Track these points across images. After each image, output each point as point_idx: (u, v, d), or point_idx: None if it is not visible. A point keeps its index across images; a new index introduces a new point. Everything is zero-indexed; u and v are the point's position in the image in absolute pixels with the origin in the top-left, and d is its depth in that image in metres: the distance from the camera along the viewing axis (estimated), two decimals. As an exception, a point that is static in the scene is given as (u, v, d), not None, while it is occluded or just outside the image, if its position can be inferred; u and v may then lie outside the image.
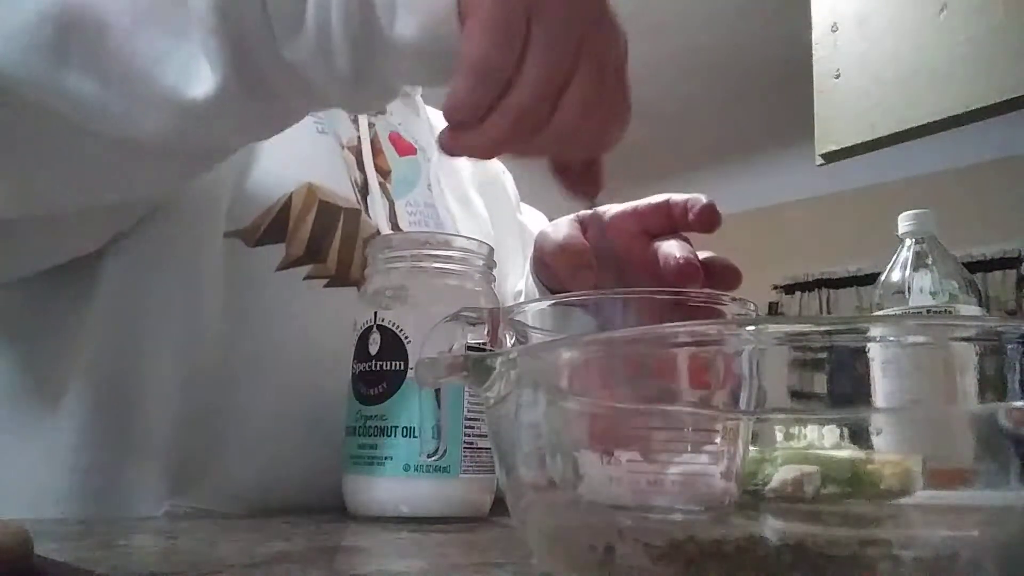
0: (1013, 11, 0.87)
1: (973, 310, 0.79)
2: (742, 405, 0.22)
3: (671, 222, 0.57)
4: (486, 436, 0.50)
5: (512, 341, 0.44)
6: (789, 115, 3.58)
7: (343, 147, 0.67)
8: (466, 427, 0.49)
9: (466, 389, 0.49)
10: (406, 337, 0.50)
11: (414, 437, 0.48)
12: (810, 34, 1.08)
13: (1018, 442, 0.20)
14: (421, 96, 0.83)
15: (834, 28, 1.05)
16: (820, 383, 0.21)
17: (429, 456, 0.46)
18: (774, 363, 0.22)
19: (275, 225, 0.59)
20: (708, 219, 0.54)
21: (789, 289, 4.60)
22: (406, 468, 0.48)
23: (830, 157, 1.05)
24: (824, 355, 0.22)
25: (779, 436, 0.23)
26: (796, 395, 0.22)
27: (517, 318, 0.44)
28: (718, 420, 0.24)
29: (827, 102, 1.05)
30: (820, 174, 3.86)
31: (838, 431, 0.22)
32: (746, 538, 0.21)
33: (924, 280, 0.78)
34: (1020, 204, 3.74)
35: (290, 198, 0.60)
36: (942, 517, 0.21)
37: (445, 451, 0.47)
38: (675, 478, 0.24)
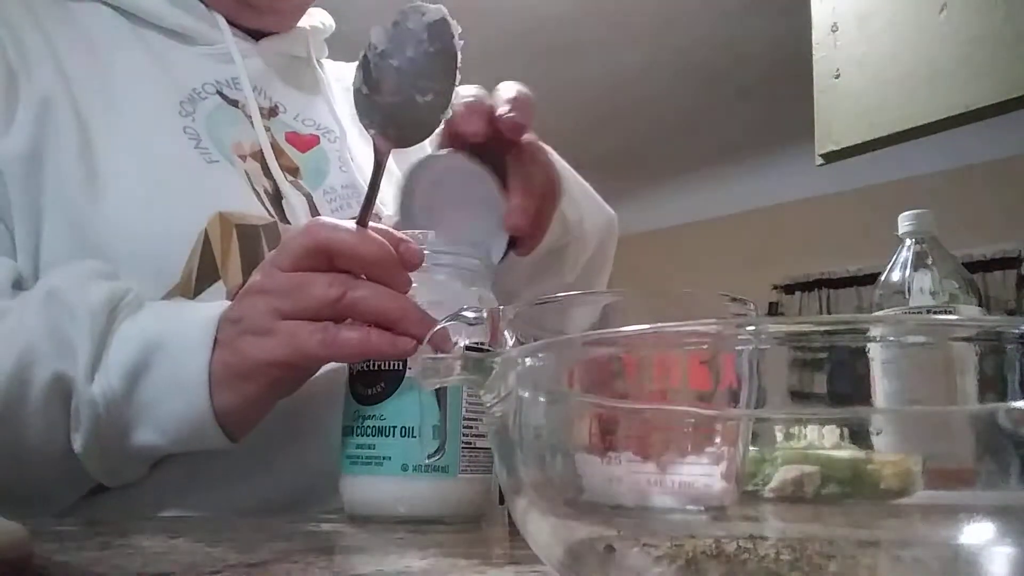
0: (1013, 11, 0.87)
1: (973, 310, 0.79)
2: (742, 405, 0.22)
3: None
4: (484, 436, 0.50)
5: (512, 341, 0.44)
6: (789, 115, 3.58)
7: (246, 158, 0.66)
8: (464, 427, 0.49)
9: (465, 389, 0.49)
10: None
11: (412, 437, 0.48)
12: (810, 34, 1.08)
13: (1018, 442, 0.20)
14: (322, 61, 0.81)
15: (834, 28, 1.05)
16: (820, 383, 0.21)
17: (430, 456, 0.46)
18: (774, 363, 0.22)
19: (204, 266, 0.59)
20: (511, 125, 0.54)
21: (789, 289, 4.61)
22: (404, 468, 0.48)
23: (830, 157, 1.05)
24: (824, 355, 0.22)
25: (779, 436, 0.23)
26: (796, 395, 0.22)
27: (517, 318, 0.44)
28: (718, 420, 0.24)
29: (827, 102, 1.05)
30: (820, 174, 3.86)
31: (838, 431, 0.22)
32: (746, 538, 0.21)
33: (924, 280, 0.78)
34: (1020, 204, 3.74)
35: (205, 233, 0.59)
36: (942, 517, 0.21)
37: (445, 451, 0.47)
38: (675, 478, 0.24)
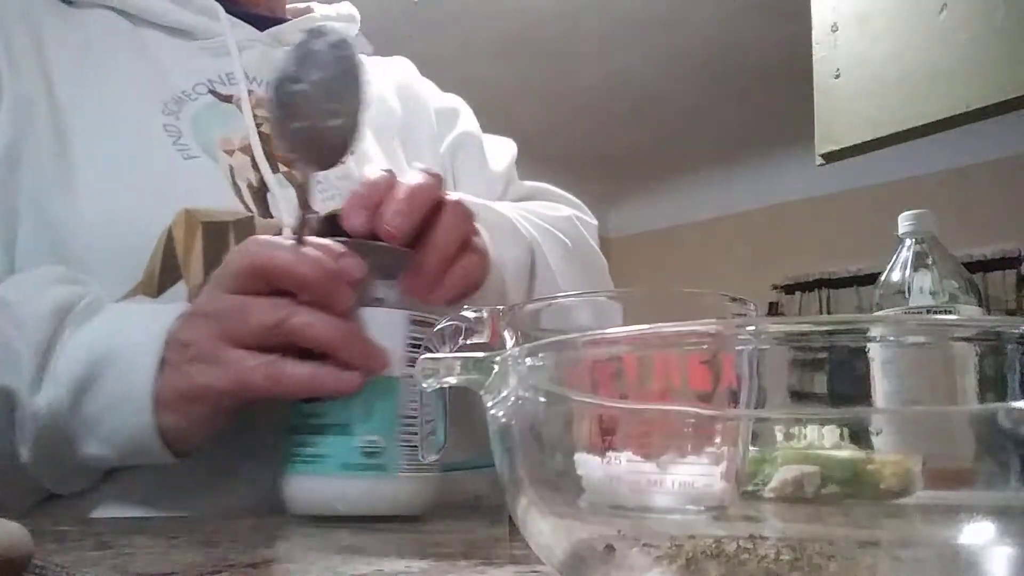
0: (1013, 11, 0.87)
1: (973, 310, 0.79)
2: (742, 405, 0.22)
3: None
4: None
5: (512, 341, 0.44)
6: (789, 115, 3.59)
7: (233, 152, 0.65)
8: (404, 425, 0.48)
9: (404, 387, 0.48)
10: None
11: (351, 435, 0.47)
12: (810, 34, 1.08)
13: (1018, 442, 0.20)
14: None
15: (834, 28, 1.05)
16: (820, 383, 0.21)
17: (431, 457, 0.45)
18: (774, 363, 0.22)
19: (167, 266, 0.58)
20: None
21: (789, 289, 4.61)
22: (343, 467, 0.47)
23: (830, 157, 1.05)
24: (824, 355, 0.22)
25: (779, 436, 0.23)
26: (796, 395, 0.22)
27: (517, 318, 0.44)
28: (718, 420, 0.24)
29: (827, 102, 1.05)
30: (820, 174, 3.87)
31: (838, 431, 0.22)
32: (746, 538, 0.21)
33: (924, 280, 0.78)
34: (1020, 204, 3.74)
35: (170, 232, 0.58)
36: (942, 517, 0.21)
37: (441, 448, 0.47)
38: (675, 478, 0.24)
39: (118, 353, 0.50)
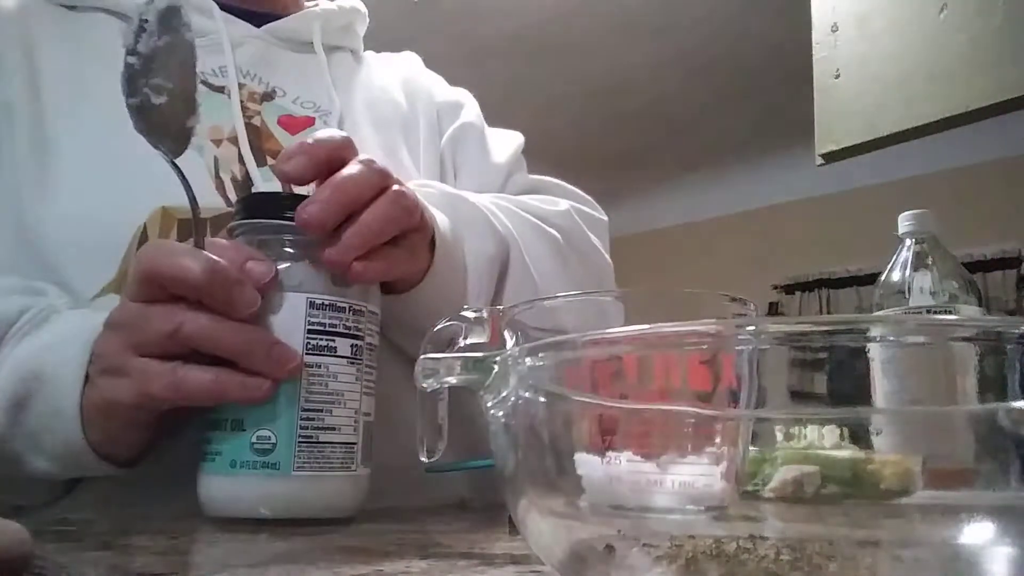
0: (1013, 11, 0.87)
1: (973, 310, 0.79)
2: (742, 405, 0.22)
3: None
4: (331, 430, 0.46)
5: (512, 341, 0.44)
6: (789, 115, 3.59)
7: (221, 142, 0.64)
8: (303, 420, 0.45)
9: (304, 379, 0.45)
10: None
11: (244, 431, 0.45)
12: (810, 34, 1.08)
13: (1018, 442, 0.20)
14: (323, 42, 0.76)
15: (834, 28, 1.05)
16: (820, 383, 0.21)
17: (429, 457, 0.45)
18: (774, 363, 0.22)
19: None
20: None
21: (789, 289, 4.61)
22: (232, 464, 0.44)
23: (830, 157, 1.05)
24: (824, 355, 0.22)
25: (779, 436, 0.23)
26: (796, 395, 0.22)
27: (517, 318, 0.44)
28: (718, 420, 0.24)
29: (827, 102, 1.05)
30: (820, 174, 3.87)
31: (838, 431, 0.22)
32: (746, 538, 0.21)
33: (924, 280, 0.78)
34: (1020, 204, 3.74)
35: (144, 229, 0.57)
36: (942, 517, 0.21)
37: (438, 450, 0.46)
38: (675, 478, 0.24)
39: (49, 370, 0.49)
